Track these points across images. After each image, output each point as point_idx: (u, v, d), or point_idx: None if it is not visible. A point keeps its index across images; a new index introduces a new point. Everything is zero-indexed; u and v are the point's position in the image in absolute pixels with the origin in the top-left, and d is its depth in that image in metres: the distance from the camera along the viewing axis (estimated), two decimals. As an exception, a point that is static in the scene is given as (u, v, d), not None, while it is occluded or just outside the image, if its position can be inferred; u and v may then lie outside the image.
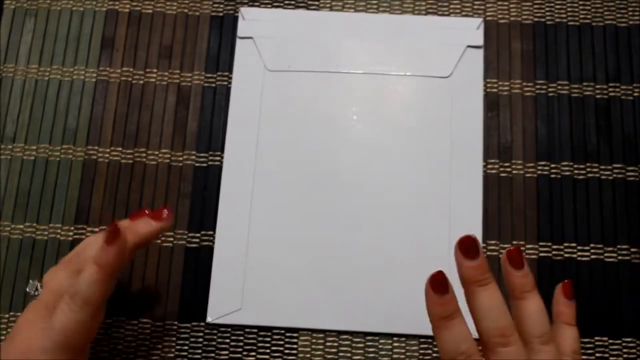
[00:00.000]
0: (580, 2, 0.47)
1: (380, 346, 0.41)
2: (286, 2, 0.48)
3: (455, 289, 0.31)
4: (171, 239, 0.43)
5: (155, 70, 0.46)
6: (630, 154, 0.44)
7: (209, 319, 0.42)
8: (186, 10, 0.47)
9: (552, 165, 0.44)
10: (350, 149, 0.44)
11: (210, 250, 0.43)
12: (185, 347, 0.41)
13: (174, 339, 0.42)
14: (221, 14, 0.47)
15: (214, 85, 0.46)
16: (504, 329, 0.30)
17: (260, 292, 0.42)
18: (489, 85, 0.46)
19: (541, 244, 0.43)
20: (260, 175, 0.44)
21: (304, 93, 0.45)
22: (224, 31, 0.47)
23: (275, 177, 0.44)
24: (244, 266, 0.42)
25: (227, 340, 0.41)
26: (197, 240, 0.43)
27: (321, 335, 0.41)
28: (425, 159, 0.44)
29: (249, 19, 0.47)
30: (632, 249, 0.42)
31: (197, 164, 0.45)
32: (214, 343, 0.41)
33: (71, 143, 0.45)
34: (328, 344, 0.41)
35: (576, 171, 0.44)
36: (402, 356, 0.41)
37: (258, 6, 0.47)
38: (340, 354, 0.41)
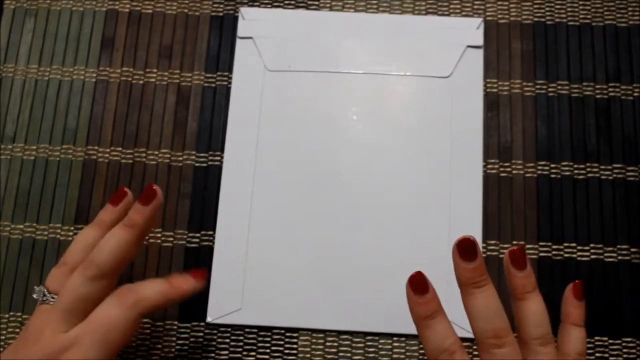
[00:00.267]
0: (580, 2, 0.47)
1: (380, 346, 0.41)
2: (286, 2, 0.48)
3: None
4: (171, 239, 0.43)
5: (155, 70, 0.46)
6: (630, 154, 0.44)
7: (209, 319, 0.42)
8: (186, 10, 0.47)
9: (552, 165, 0.44)
10: (350, 149, 0.44)
11: (210, 250, 0.43)
12: (185, 347, 0.41)
13: (174, 339, 0.42)
14: (221, 14, 0.47)
15: (214, 85, 0.46)
16: (498, 330, 0.30)
17: (260, 292, 0.42)
18: (489, 85, 0.46)
19: (541, 244, 0.43)
20: (260, 175, 0.44)
21: (304, 93, 0.45)
22: (224, 31, 0.47)
23: (275, 177, 0.44)
24: (244, 266, 0.42)
25: (227, 340, 0.41)
26: (197, 240, 0.43)
27: (321, 335, 0.41)
28: (425, 159, 0.44)
29: (249, 19, 0.47)
30: (632, 249, 0.42)
31: (197, 164, 0.45)
32: (214, 343, 0.41)
33: (71, 143, 0.45)
34: (328, 344, 0.41)
35: (576, 171, 0.44)
36: (402, 356, 0.41)
37: (258, 6, 0.47)
38: (340, 354, 0.41)
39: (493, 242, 0.43)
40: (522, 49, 0.46)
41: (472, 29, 0.46)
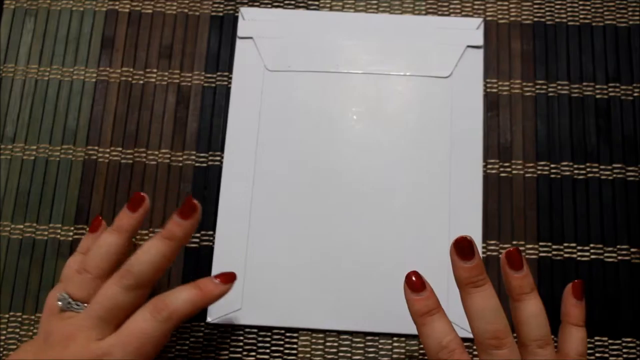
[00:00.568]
0: (580, 2, 0.47)
1: (380, 346, 0.41)
2: (286, 2, 0.48)
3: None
4: (171, 239, 0.43)
5: (155, 70, 0.46)
6: (630, 154, 0.44)
7: (208, 319, 0.42)
8: (186, 10, 0.47)
9: (552, 165, 0.44)
10: (350, 149, 0.44)
11: (210, 250, 0.43)
12: (185, 347, 0.41)
13: (174, 339, 0.42)
14: (221, 14, 0.47)
15: (214, 85, 0.46)
16: (497, 332, 0.30)
17: (260, 292, 0.42)
18: (488, 85, 0.46)
19: (541, 244, 0.43)
20: (260, 175, 0.44)
21: (304, 93, 0.45)
22: (224, 31, 0.47)
23: (275, 177, 0.44)
24: (244, 266, 0.42)
25: (227, 340, 0.41)
26: (197, 240, 0.43)
27: (321, 335, 0.41)
28: (425, 159, 0.44)
29: (249, 19, 0.47)
30: (632, 249, 0.42)
31: (197, 164, 0.45)
32: (214, 343, 0.41)
33: (71, 143, 0.45)
34: (328, 344, 0.41)
35: (576, 171, 0.44)
36: (402, 356, 0.41)
37: (258, 6, 0.47)
38: (340, 354, 0.41)
39: (493, 242, 0.43)
40: (522, 49, 0.46)
41: (472, 29, 0.46)
